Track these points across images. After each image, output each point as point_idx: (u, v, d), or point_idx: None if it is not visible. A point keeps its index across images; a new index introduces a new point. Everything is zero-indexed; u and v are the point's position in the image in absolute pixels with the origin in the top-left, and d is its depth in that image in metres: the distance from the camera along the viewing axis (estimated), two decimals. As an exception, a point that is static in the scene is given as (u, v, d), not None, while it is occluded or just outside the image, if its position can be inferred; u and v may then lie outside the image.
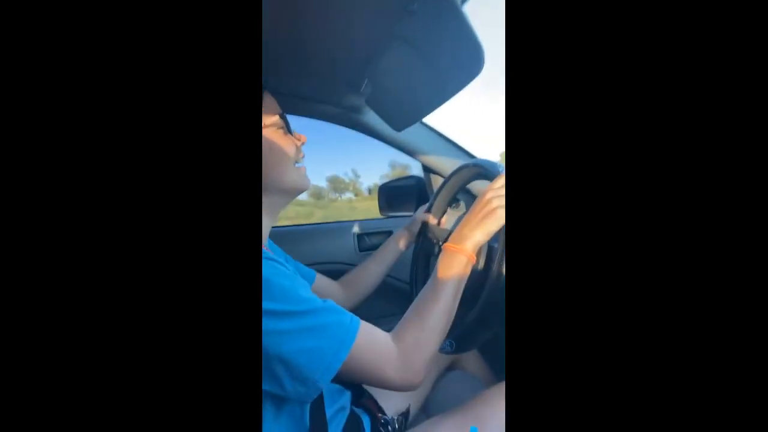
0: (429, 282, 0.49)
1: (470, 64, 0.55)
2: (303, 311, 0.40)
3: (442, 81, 0.61)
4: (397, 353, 0.42)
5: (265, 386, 0.40)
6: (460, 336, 0.54)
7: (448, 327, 0.47)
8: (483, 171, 0.65)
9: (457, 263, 0.49)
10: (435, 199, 0.76)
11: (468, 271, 0.50)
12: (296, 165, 0.55)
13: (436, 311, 0.45)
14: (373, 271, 0.77)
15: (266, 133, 0.52)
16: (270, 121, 0.53)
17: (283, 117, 0.55)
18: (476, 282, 0.58)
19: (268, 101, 0.53)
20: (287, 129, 0.56)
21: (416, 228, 0.77)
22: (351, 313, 0.44)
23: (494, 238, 0.54)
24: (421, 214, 0.78)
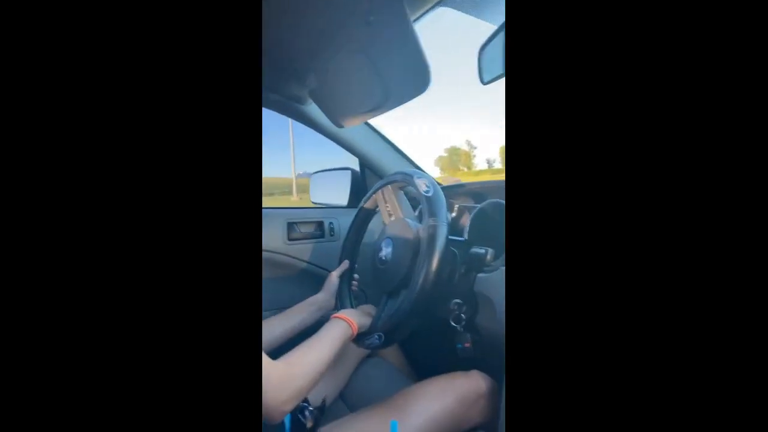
0: (316, 335, 0.56)
1: (416, 81, 0.58)
2: None
3: (387, 91, 0.63)
4: (279, 380, 0.46)
5: None
6: (388, 329, 0.59)
7: (321, 373, 0.52)
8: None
9: (340, 332, 0.57)
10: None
11: (347, 334, 0.59)
12: None
13: (315, 359, 0.52)
14: (276, 330, 0.70)
15: None
16: None
17: None
18: (404, 276, 0.63)
19: None
20: None
21: (330, 294, 0.75)
22: None
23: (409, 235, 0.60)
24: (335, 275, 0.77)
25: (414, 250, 0.64)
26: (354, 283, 0.80)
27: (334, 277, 0.76)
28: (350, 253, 0.81)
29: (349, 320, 0.59)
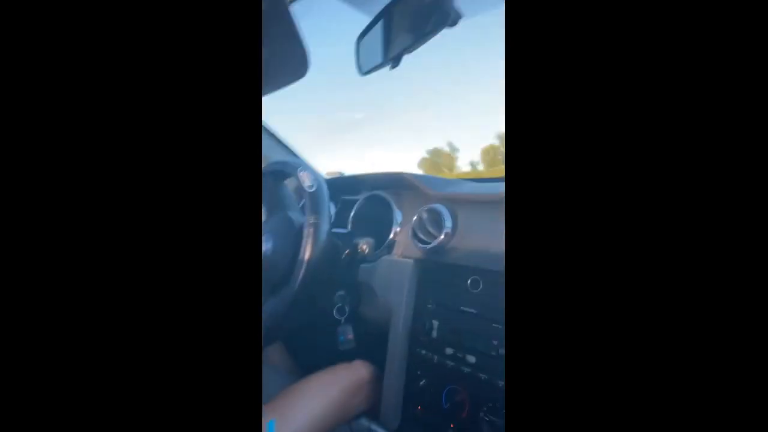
0: None
1: (294, 65, 0.55)
2: None
3: (264, 74, 0.59)
4: None
5: None
6: (268, 328, 0.56)
7: None
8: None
9: None
10: None
11: None
12: None
13: None
14: None
15: None
16: None
17: None
18: (284, 273, 0.60)
19: None
20: None
21: None
22: None
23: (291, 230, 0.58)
24: None
25: (295, 245, 0.61)
26: None
27: None
28: None
29: None
